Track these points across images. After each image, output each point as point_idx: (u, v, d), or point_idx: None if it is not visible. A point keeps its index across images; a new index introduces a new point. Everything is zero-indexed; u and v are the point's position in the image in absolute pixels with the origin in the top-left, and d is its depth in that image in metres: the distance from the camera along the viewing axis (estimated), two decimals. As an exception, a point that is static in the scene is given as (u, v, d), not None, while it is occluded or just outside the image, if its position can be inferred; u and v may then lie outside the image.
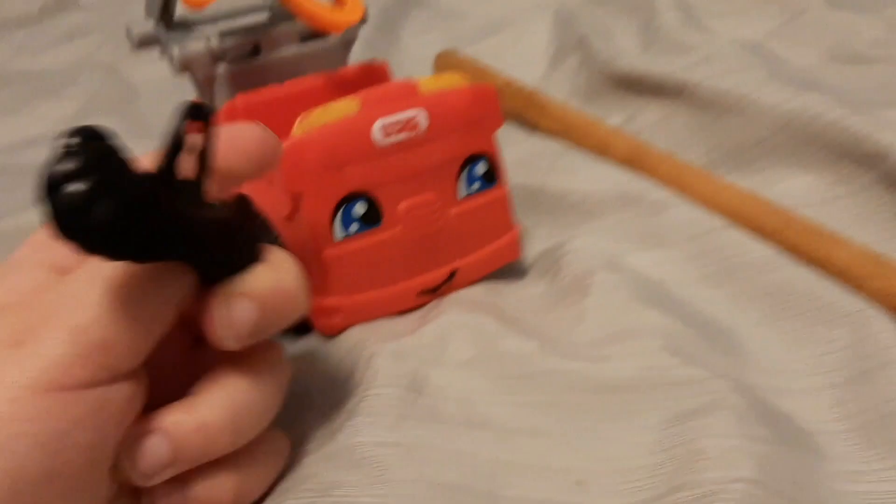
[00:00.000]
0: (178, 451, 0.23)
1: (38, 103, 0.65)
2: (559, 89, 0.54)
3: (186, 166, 0.21)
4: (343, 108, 0.32)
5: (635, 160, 0.41)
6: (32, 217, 0.44)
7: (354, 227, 0.32)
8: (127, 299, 0.21)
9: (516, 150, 0.46)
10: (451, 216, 0.34)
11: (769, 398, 0.28)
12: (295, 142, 0.31)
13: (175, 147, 0.21)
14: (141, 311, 0.22)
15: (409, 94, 0.33)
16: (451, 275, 0.35)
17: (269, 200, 0.33)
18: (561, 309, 0.34)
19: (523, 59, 0.59)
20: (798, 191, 0.39)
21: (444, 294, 0.35)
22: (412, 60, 0.63)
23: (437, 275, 0.34)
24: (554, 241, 0.38)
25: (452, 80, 0.34)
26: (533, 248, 0.39)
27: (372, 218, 0.32)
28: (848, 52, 0.52)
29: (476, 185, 0.35)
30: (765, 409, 0.27)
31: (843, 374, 0.29)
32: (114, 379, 0.21)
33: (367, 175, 0.32)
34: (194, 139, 0.22)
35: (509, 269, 0.37)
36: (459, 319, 0.32)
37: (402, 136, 0.32)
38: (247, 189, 0.34)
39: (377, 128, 0.31)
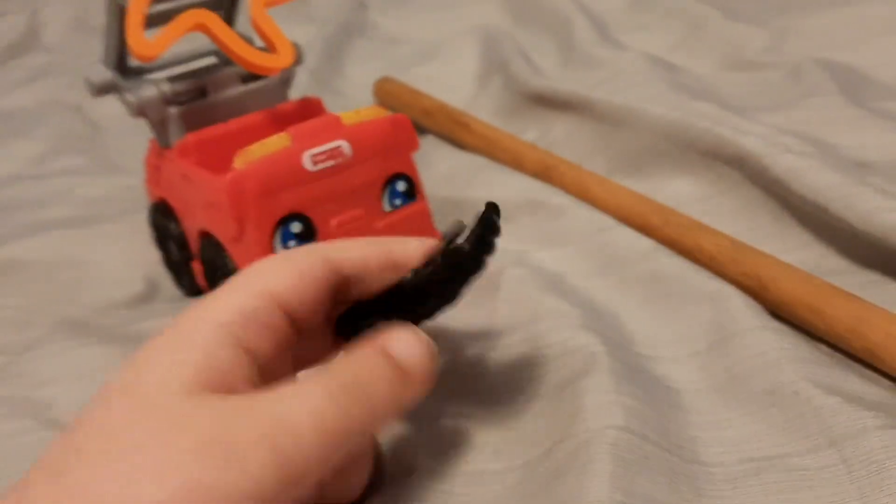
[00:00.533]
0: None
1: (8, 143, 0.67)
2: (485, 108, 0.59)
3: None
4: (276, 142, 0.37)
5: (544, 171, 0.47)
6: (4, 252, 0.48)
7: (293, 243, 0.37)
8: (330, 434, 0.22)
9: (444, 165, 0.52)
10: (378, 228, 0.39)
11: (643, 364, 0.34)
12: (236, 174, 0.36)
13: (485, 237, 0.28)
14: (340, 449, 0.22)
15: (333, 127, 0.38)
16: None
17: (219, 223, 0.38)
18: (477, 303, 0.39)
19: (455, 80, 0.64)
20: (681, 191, 0.45)
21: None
22: (355, 87, 0.68)
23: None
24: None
25: (371, 112, 0.39)
26: (455, 254, 0.44)
27: (308, 234, 0.38)
28: (740, 60, 0.58)
29: (398, 201, 0.40)
30: (638, 373, 0.33)
31: (704, 343, 0.35)
32: None
33: (300, 198, 0.37)
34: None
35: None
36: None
37: (330, 163, 0.37)
38: (200, 216, 0.40)
39: (306, 157, 0.37)
